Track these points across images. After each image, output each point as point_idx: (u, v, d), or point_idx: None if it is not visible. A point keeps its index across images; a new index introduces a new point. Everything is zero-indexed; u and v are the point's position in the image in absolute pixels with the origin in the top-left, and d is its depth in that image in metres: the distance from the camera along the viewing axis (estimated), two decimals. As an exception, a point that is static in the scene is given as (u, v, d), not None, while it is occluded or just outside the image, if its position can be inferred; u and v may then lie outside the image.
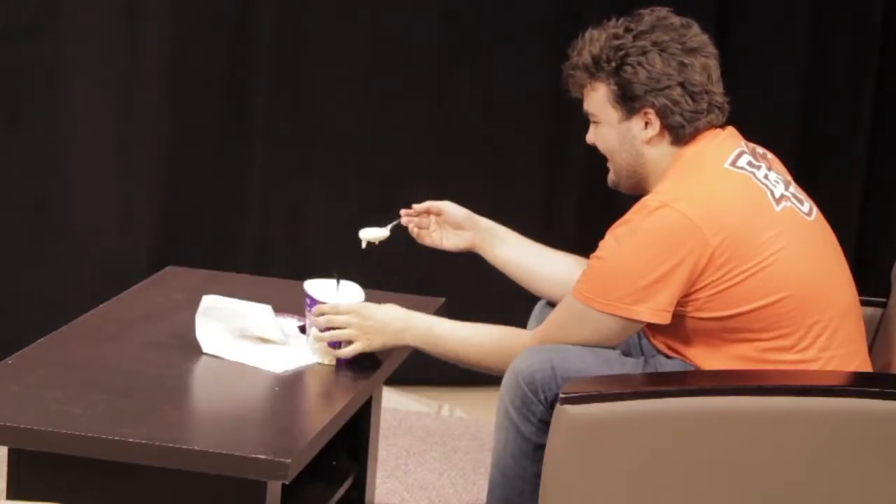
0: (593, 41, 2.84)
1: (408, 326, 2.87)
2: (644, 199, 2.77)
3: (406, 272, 4.42)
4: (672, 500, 2.66)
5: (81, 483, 2.51)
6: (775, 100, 4.63)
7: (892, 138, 4.69)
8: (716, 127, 2.85)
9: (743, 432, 2.64)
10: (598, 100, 2.85)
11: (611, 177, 2.91)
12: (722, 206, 2.73)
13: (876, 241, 4.61)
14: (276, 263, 4.46)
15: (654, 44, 2.79)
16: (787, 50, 4.60)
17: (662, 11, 2.85)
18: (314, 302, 2.78)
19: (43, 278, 4.40)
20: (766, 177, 2.82)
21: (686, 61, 2.79)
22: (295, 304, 2.93)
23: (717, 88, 2.84)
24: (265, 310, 2.83)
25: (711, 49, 2.84)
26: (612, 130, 2.85)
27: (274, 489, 2.49)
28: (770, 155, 2.94)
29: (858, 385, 2.75)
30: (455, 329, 2.90)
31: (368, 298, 2.84)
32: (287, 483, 2.39)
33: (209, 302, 2.82)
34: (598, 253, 2.78)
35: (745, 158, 2.83)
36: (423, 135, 4.53)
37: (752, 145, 2.91)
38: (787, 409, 2.64)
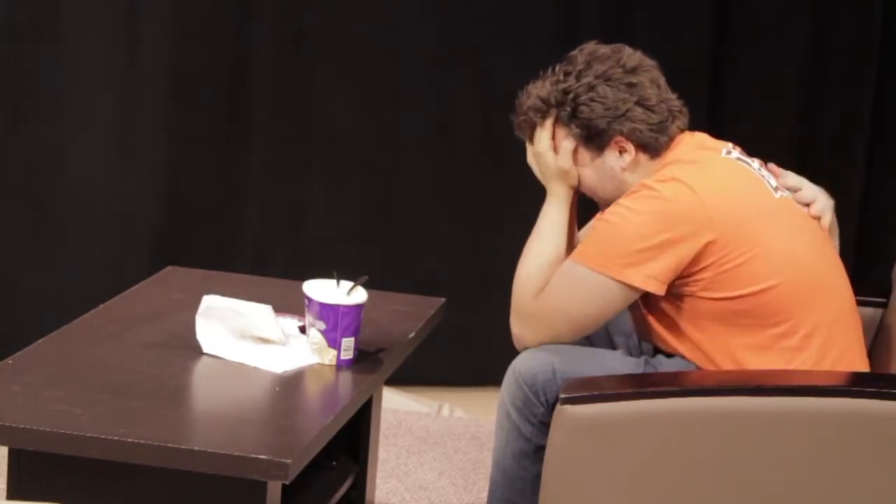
0: (538, 89, 2.91)
1: None
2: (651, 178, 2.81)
3: (406, 272, 4.42)
4: (672, 500, 2.66)
5: (81, 483, 2.51)
6: (775, 100, 4.63)
7: (893, 138, 4.68)
8: (686, 131, 2.90)
9: (743, 432, 2.64)
10: (565, 150, 2.88)
11: (602, 209, 2.93)
12: (725, 186, 2.78)
13: (876, 241, 4.61)
14: (276, 263, 4.46)
15: (597, 76, 2.84)
16: (787, 50, 4.60)
17: (590, 45, 2.91)
18: (314, 302, 2.78)
19: (43, 278, 4.39)
20: (759, 170, 2.89)
21: (633, 80, 2.85)
22: (295, 304, 2.93)
23: (671, 95, 2.90)
24: (265, 310, 2.83)
25: (650, 62, 2.90)
26: (588, 170, 2.89)
27: (274, 489, 2.49)
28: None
29: (858, 385, 2.75)
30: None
31: (369, 298, 2.84)
32: (287, 483, 2.39)
33: (209, 302, 2.82)
34: (602, 215, 2.83)
35: (736, 154, 2.90)
36: (423, 135, 4.53)
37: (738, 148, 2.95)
38: (787, 409, 2.64)
